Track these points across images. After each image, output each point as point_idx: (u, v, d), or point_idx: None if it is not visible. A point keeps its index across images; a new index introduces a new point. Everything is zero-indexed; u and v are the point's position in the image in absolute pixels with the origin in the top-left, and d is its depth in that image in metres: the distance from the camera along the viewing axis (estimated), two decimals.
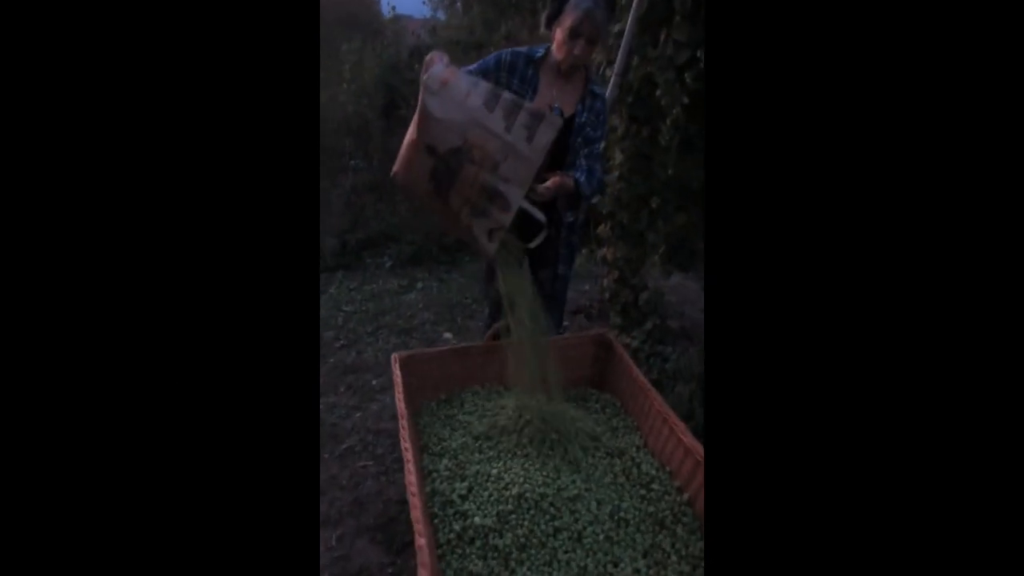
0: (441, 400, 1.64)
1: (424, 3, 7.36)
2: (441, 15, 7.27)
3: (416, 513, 1.06)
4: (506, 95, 1.26)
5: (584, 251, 2.56)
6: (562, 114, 1.61)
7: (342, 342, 2.76)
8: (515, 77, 1.60)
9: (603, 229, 2.38)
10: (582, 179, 1.57)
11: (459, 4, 6.18)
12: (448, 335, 2.85)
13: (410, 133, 1.21)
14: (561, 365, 1.70)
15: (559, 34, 1.51)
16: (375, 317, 2.98)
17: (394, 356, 1.56)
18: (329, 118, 4.79)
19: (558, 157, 1.68)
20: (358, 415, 2.20)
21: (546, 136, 1.24)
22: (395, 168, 1.26)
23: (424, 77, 1.19)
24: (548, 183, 1.47)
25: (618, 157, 2.15)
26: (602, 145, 1.66)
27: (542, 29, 1.58)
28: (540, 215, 1.34)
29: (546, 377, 1.46)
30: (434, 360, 1.63)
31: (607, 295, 2.49)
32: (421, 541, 1.00)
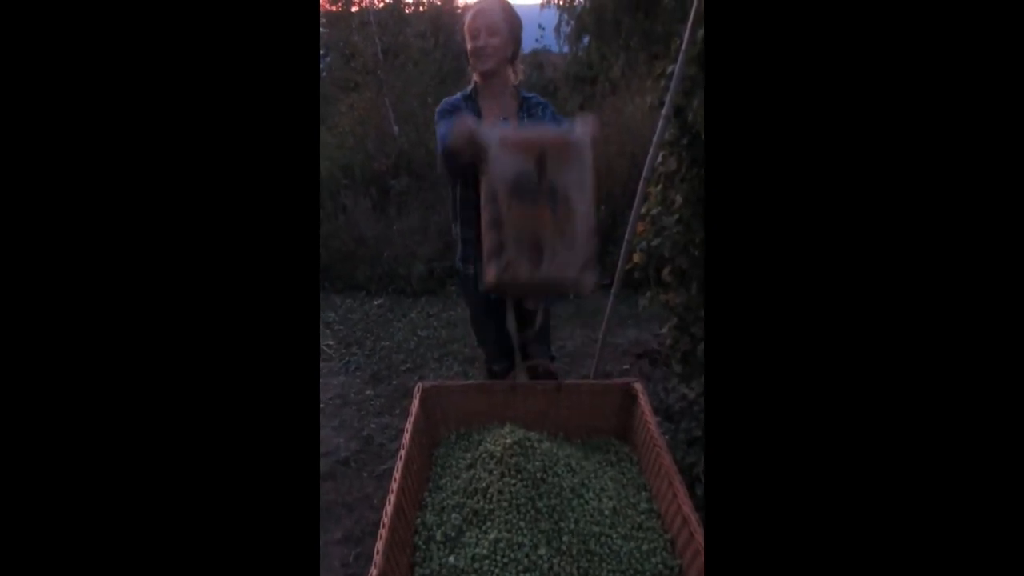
0: (460, 434, 1.66)
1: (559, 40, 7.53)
2: (566, 50, 7.46)
3: (380, 544, 1.08)
4: None
5: (648, 293, 2.48)
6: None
7: (408, 365, 2.88)
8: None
9: (666, 273, 2.29)
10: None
11: (586, 40, 6.37)
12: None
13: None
14: (585, 413, 1.66)
15: (468, 48, 1.58)
16: (445, 344, 3.08)
17: (417, 386, 1.61)
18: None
19: None
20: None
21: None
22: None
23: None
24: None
25: (677, 200, 2.07)
26: None
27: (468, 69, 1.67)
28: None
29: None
30: (457, 393, 1.65)
31: (668, 342, 2.38)
32: (374, 572, 1.02)
